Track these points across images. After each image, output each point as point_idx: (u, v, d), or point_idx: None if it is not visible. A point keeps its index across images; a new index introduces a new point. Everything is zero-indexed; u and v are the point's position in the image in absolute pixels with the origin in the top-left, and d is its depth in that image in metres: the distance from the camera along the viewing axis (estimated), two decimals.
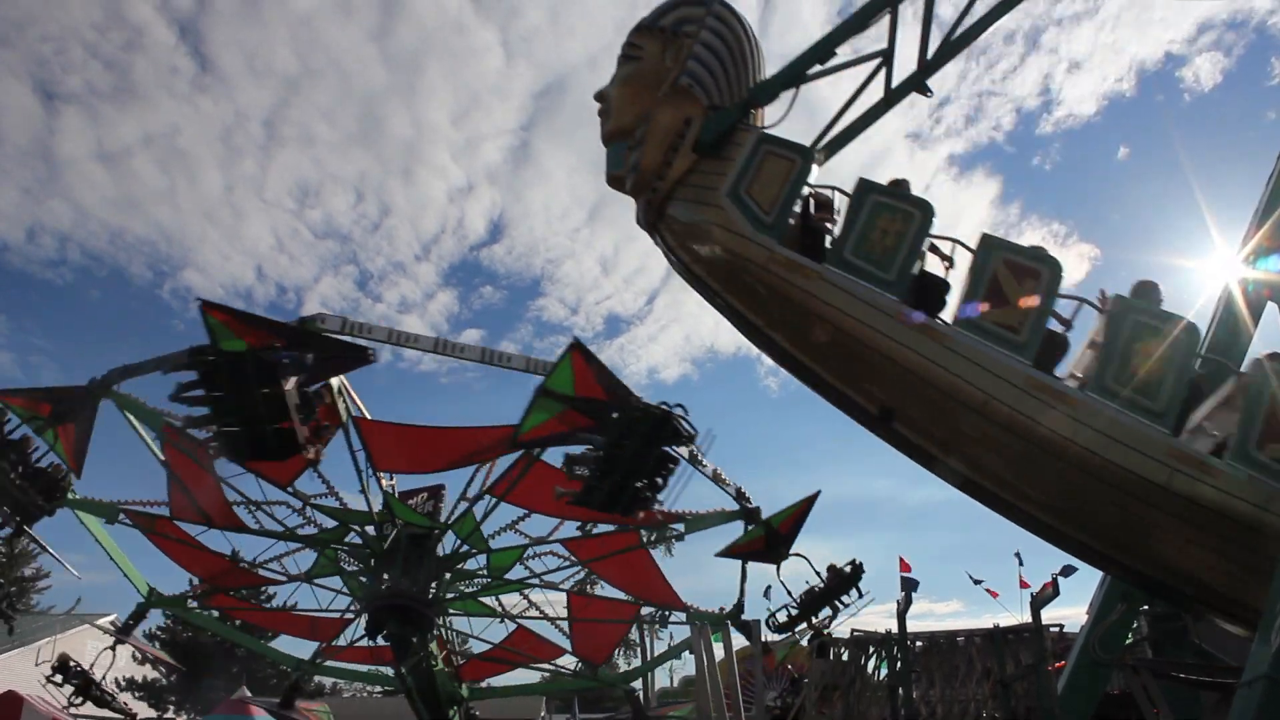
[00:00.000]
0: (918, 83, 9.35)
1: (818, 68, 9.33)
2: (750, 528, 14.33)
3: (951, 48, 9.30)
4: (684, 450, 11.59)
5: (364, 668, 18.36)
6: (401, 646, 12.91)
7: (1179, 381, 7.85)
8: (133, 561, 15.55)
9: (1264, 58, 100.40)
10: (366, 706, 44.94)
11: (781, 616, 14.62)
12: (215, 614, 21.05)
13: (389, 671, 19.44)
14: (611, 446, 10.53)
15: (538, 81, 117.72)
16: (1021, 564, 28.25)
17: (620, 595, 17.36)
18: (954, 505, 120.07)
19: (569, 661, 18.44)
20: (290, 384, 9.30)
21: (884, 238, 8.32)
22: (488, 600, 16.66)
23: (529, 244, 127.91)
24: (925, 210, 8.45)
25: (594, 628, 17.37)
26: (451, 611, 15.62)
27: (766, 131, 9.11)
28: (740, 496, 14.17)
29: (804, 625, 13.31)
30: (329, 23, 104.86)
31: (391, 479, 14.57)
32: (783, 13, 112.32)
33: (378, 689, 50.12)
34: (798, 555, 13.43)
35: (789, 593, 13.54)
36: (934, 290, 8.62)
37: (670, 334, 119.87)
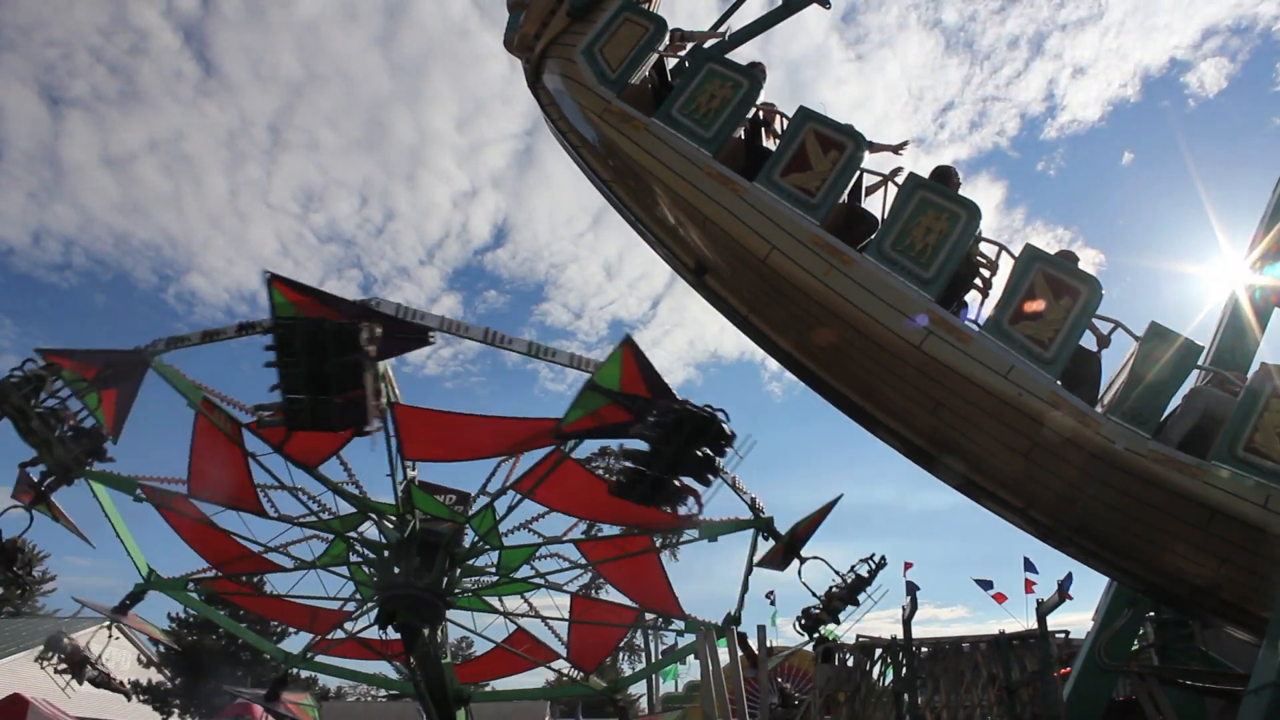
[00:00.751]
0: None
1: None
2: (767, 536, 14.43)
3: None
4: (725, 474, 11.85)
5: (359, 664, 18.23)
6: (413, 636, 12.91)
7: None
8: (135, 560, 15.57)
9: (1269, 63, 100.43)
10: (370, 711, 44.94)
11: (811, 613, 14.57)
12: (210, 604, 20.92)
13: (392, 674, 19.42)
14: (658, 442, 10.68)
15: None
16: (1034, 570, 28.21)
17: (623, 600, 17.36)
18: (957, 512, 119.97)
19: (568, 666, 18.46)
20: (367, 352, 9.46)
21: (928, 235, 8.28)
22: (491, 599, 16.63)
23: (533, 249, 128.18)
24: (973, 212, 8.37)
25: (590, 634, 17.34)
26: (456, 607, 15.59)
27: (635, 2, 9.69)
28: (754, 506, 14.24)
29: (832, 624, 13.25)
30: (333, 28, 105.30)
31: (413, 468, 14.57)
32: (786, 20, 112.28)
33: (382, 693, 50.19)
34: (816, 558, 13.34)
35: (814, 594, 13.49)
36: (965, 288, 8.71)
37: (674, 338, 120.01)
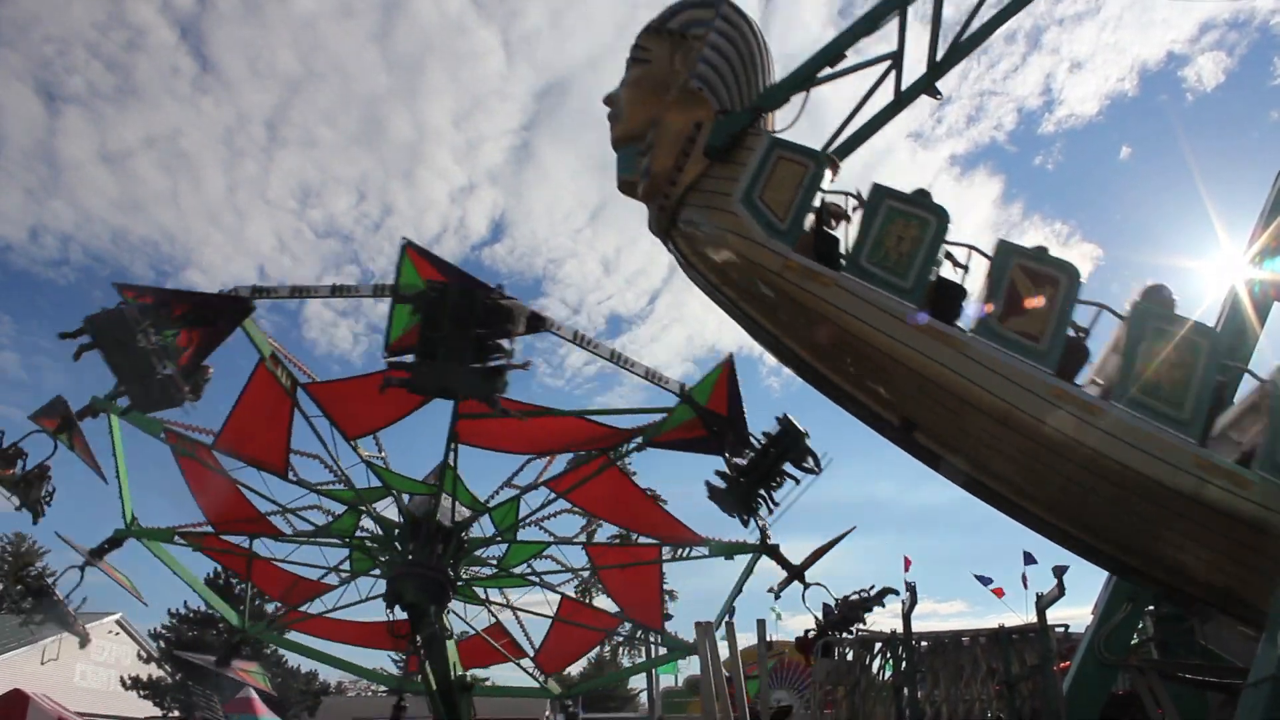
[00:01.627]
0: (927, 85, 9.29)
1: (827, 71, 9.23)
2: (772, 556, 14.41)
3: (961, 49, 9.25)
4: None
5: (362, 659, 18.14)
6: (419, 617, 12.92)
7: (1204, 389, 7.68)
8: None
9: (1266, 57, 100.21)
10: (370, 706, 44.98)
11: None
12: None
13: (392, 668, 19.39)
14: (759, 455, 11.46)
15: (539, 82, 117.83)
16: (1033, 562, 28.27)
17: (609, 607, 17.52)
18: (956, 507, 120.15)
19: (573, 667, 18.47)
20: (518, 329, 9.80)
21: (900, 244, 8.21)
22: (480, 590, 16.64)
23: (531, 244, 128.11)
24: (941, 216, 8.35)
25: (565, 640, 17.46)
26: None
27: (778, 136, 8.97)
28: (764, 532, 14.31)
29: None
30: (330, 24, 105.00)
31: (381, 451, 14.55)
32: (784, 13, 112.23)
33: (382, 689, 50.25)
34: (818, 584, 13.37)
35: (814, 616, 13.49)
36: (952, 297, 8.52)
37: (672, 334, 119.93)
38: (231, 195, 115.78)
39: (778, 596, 14.04)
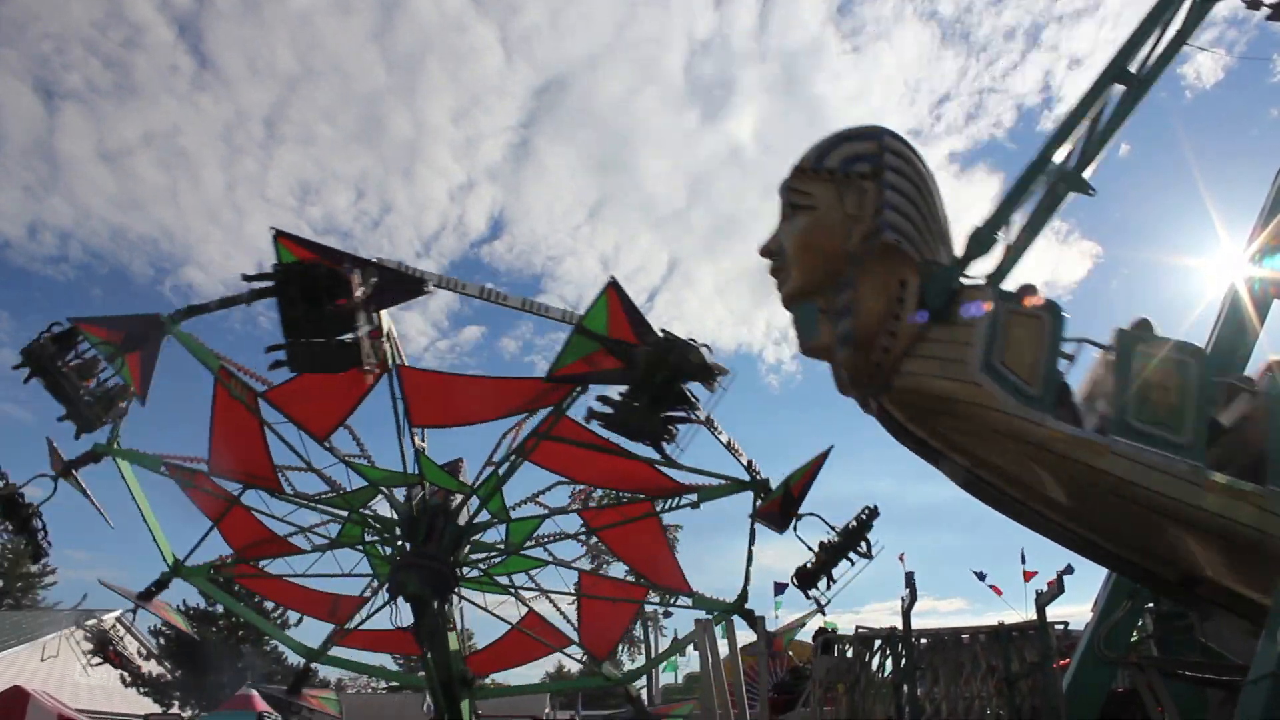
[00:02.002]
0: (1076, 180, 8.67)
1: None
2: (764, 494, 14.24)
3: (1099, 140, 8.69)
4: (702, 412, 11.86)
5: (374, 657, 18.12)
6: (422, 609, 12.92)
7: (1200, 410, 7.54)
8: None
9: (1265, 54, 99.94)
10: (371, 702, 45.06)
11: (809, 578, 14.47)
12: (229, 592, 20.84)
13: (391, 665, 19.38)
14: (643, 372, 10.73)
15: (538, 80, 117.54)
16: (1024, 561, 28.31)
17: (629, 580, 17.33)
18: (956, 504, 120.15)
19: (569, 660, 18.36)
20: (358, 295, 9.81)
21: (1166, 395, 7.63)
22: (501, 580, 16.59)
23: (530, 241, 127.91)
24: (1200, 358, 7.79)
25: (600, 619, 17.22)
26: (467, 586, 15.57)
27: (1002, 289, 8.19)
28: (750, 468, 14.09)
29: (827, 579, 13.12)
30: (329, 22, 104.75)
31: (421, 438, 14.55)
32: (782, 11, 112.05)
33: (382, 684, 50.31)
34: (812, 515, 13.11)
35: (809, 547, 13.35)
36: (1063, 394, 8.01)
37: (672, 330, 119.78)
38: (230, 193, 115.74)
39: (781, 528, 13.83)
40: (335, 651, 17.20)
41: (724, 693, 16.14)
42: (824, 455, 12.30)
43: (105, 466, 13.39)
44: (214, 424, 13.23)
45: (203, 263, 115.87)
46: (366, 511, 14.73)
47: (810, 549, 13.11)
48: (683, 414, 11.36)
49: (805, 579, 13.08)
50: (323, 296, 9.75)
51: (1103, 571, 11.15)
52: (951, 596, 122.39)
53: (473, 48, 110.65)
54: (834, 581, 12.99)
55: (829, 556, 12.87)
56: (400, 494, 14.24)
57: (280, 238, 10.50)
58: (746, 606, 14.82)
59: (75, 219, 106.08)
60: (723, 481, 14.14)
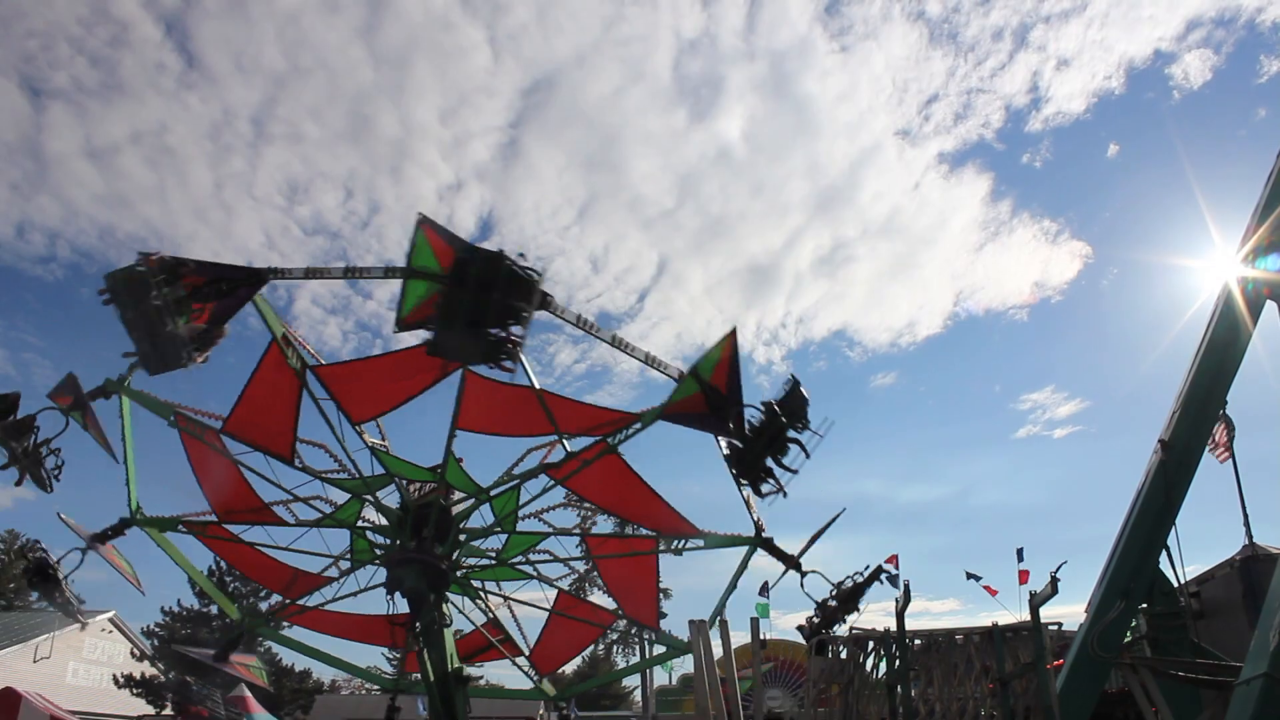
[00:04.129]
0: None
1: None
2: (767, 550, 14.50)
3: None
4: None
5: (355, 657, 18.14)
6: (419, 604, 12.92)
7: None
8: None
9: (1253, 55, 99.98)
10: (363, 704, 44.98)
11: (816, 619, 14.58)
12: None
13: (386, 666, 19.37)
14: (767, 418, 11.35)
15: (526, 79, 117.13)
16: (1021, 561, 28.38)
17: (606, 604, 17.50)
18: (946, 504, 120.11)
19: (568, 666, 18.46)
20: (535, 297, 10.02)
21: None
22: (475, 583, 16.62)
23: (519, 242, 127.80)
24: None
25: (560, 638, 17.47)
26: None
27: None
28: (758, 525, 14.39)
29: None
30: (316, 20, 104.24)
31: (383, 439, 14.54)
32: (769, 11, 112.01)
33: (376, 688, 50.18)
34: (815, 572, 13.33)
35: (814, 600, 13.47)
36: None
37: (661, 332, 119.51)
38: (218, 191, 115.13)
39: (765, 592, 14.12)
40: (299, 635, 17.12)
41: (718, 694, 16.15)
42: (731, 334, 12.12)
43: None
44: (250, 386, 13.11)
45: None
46: (364, 524, 14.71)
47: (815, 601, 13.39)
48: (784, 466, 11.94)
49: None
50: (494, 288, 9.84)
51: (1096, 572, 11.19)
52: (945, 597, 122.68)
53: (460, 46, 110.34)
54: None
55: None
56: (393, 493, 14.24)
57: (425, 225, 10.40)
58: (765, 535, 14.57)
59: (63, 218, 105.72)
60: (729, 534, 14.55)
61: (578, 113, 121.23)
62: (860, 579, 13.60)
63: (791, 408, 11.75)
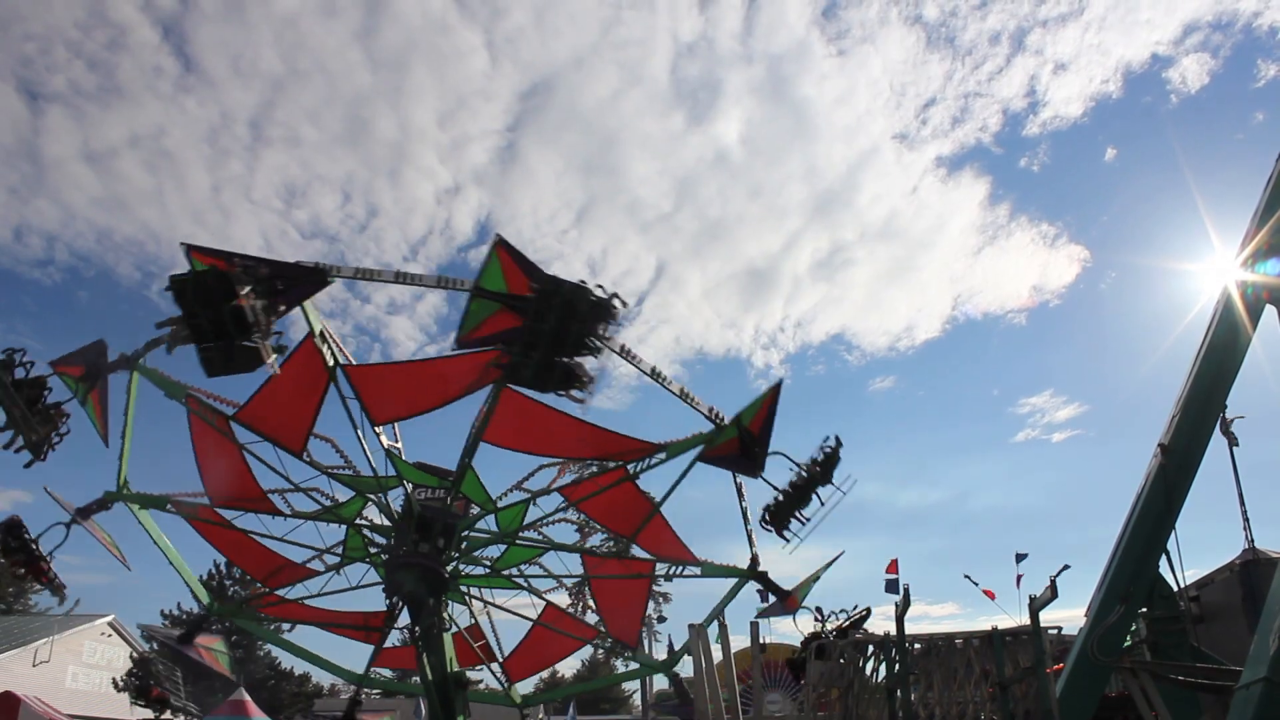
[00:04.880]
0: None
1: None
2: (760, 583, 14.86)
3: None
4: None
5: (352, 661, 18.20)
6: (418, 608, 12.93)
7: None
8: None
9: (1250, 59, 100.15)
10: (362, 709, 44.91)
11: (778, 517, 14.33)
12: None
13: (384, 671, 19.34)
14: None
15: (524, 83, 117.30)
16: (1020, 563, 28.40)
17: (587, 618, 17.74)
18: (945, 508, 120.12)
19: (563, 666, 18.48)
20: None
21: None
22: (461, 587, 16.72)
23: (517, 245, 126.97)
24: None
25: (535, 648, 17.98)
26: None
27: None
28: (754, 559, 14.83)
29: (795, 515, 13.21)
30: (313, 23, 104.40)
31: (396, 441, 14.56)
32: (766, 14, 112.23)
33: (375, 692, 50.13)
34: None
35: (774, 487, 13.30)
36: None
37: (660, 335, 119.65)
38: (216, 195, 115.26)
39: (766, 617, 14.47)
40: (319, 648, 17.18)
41: (718, 698, 16.13)
42: (776, 388, 12.16)
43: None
44: (196, 454, 13.29)
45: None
46: (362, 521, 14.75)
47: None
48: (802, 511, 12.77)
49: (776, 517, 13.14)
50: (578, 318, 9.92)
51: (1096, 576, 11.18)
52: (944, 601, 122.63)
53: (457, 50, 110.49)
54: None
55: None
56: (398, 495, 14.25)
57: (500, 248, 10.45)
58: (760, 569, 14.87)
59: (61, 221, 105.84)
60: (725, 565, 15.19)
61: (575, 116, 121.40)
62: (850, 617, 13.81)
63: (829, 468, 12.37)
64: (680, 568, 15.18)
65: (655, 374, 11.95)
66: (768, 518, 13.13)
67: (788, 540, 13.08)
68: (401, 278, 11.40)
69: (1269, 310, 10.94)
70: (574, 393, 10.37)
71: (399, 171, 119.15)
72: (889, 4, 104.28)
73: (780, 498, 12.96)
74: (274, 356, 10.56)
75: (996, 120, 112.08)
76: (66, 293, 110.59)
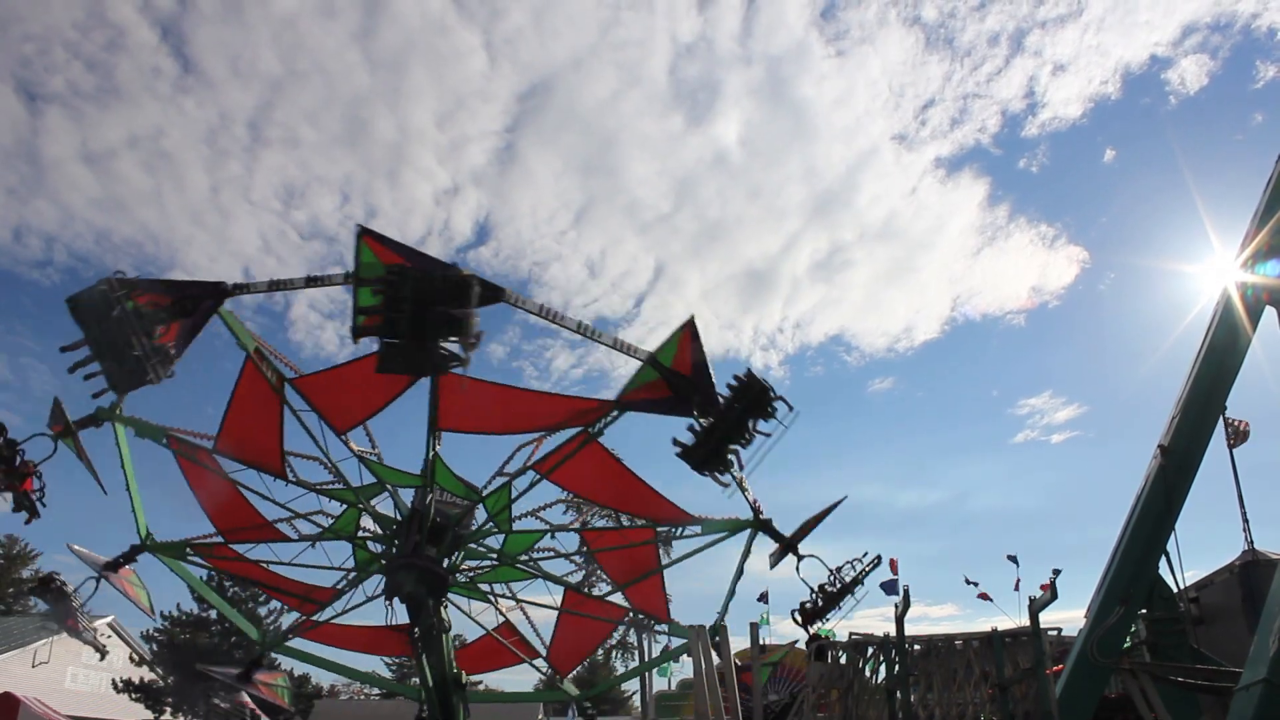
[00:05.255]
0: None
1: None
2: (767, 532, 14.52)
3: None
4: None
5: (353, 659, 18.07)
6: (418, 609, 12.95)
7: None
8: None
9: (1249, 60, 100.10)
10: (364, 709, 44.92)
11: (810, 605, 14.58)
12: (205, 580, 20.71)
13: (384, 671, 19.36)
14: (726, 407, 11.54)
15: (522, 84, 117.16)
16: (1015, 565, 28.41)
17: (615, 600, 17.43)
18: (944, 509, 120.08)
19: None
20: (472, 304, 10.12)
21: None
22: (484, 587, 16.63)
23: (516, 246, 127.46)
24: None
25: (574, 637, 17.48)
26: (453, 592, 15.59)
27: None
28: (755, 508, 14.45)
29: (830, 614, 13.38)
30: (312, 24, 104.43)
31: (374, 447, 14.57)
32: (765, 15, 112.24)
33: (375, 692, 50.17)
34: (812, 556, 13.40)
35: (809, 587, 13.55)
36: None
37: (658, 336, 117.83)
38: (215, 196, 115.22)
39: (773, 566, 14.11)
40: (310, 648, 17.13)
41: (718, 700, 16.12)
42: (688, 322, 12.19)
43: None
44: (233, 403, 13.14)
45: (187, 266, 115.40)
46: (364, 506, 14.75)
47: (810, 588, 13.51)
48: (739, 448, 12.08)
49: (808, 617, 13.52)
50: (431, 299, 9.96)
51: (1096, 578, 11.19)
52: (943, 602, 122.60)
53: (456, 51, 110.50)
54: (827, 621, 13.49)
55: (830, 600, 13.30)
56: (404, 495, 14.27)
57: (365, 235, 10.54)
58: (764, 517, 14.61)
59: (60, 222, 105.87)
60: (726, 518, 14.70)
61: (574, 117, 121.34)
62: (859, 569, 13.68)
63: (749, 397, 11.80)
64: (681, 529, 15.04)
65: (583, 328, 11.89)
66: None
67: (724, 485, 13.09)
68: (312, 281, 11.47)
69: (1269, 311, 10.96)
70: (454, 370, 10.43)
71: (398, 172, 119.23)
72: (888, 5, 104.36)
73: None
74: (160, 365, 10.74)
75: (995, 121, 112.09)
76: (65, 293, 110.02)
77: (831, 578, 13.53)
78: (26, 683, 30.38)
